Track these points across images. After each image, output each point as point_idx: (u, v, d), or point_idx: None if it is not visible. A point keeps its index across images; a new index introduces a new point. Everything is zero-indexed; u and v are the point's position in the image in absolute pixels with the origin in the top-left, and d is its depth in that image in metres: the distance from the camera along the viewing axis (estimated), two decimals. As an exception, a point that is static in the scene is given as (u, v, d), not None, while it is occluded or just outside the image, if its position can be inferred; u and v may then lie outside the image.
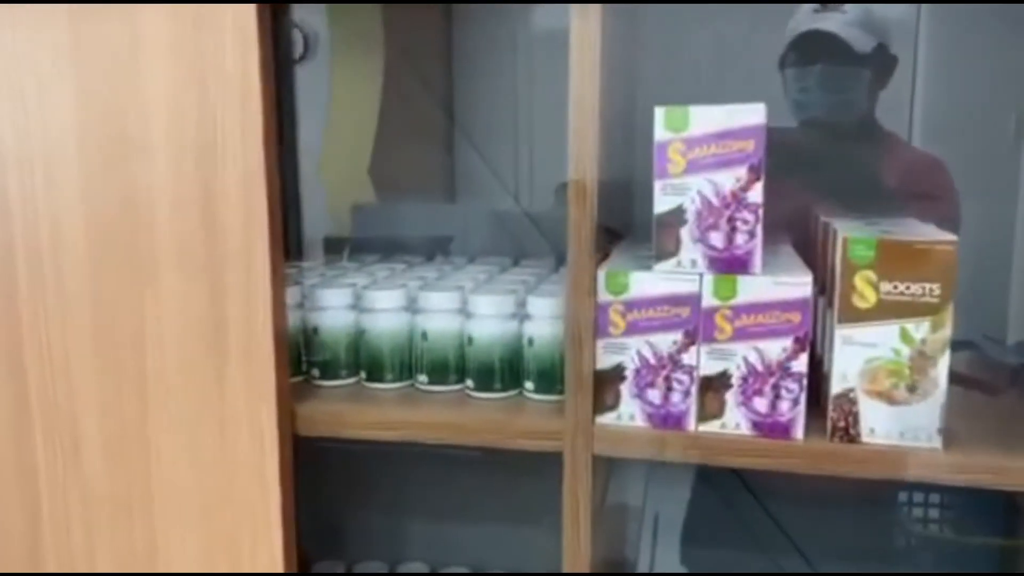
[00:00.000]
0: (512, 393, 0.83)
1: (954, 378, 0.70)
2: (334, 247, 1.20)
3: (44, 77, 0.76)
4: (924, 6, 1.18)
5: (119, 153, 0.76)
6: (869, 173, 1.03)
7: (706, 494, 1.06)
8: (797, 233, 0.89)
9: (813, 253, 0.83)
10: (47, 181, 0.78)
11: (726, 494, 0.99)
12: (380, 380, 0.86)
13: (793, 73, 1.03)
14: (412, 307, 0.86)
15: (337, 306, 0.87)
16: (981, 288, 0.97)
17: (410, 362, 0.86)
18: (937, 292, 0.67)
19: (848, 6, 1.00)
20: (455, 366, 0.84)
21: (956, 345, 0.68)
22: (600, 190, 0.72)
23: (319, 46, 1.41)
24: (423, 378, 0.85)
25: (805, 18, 1.02)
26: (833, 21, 1.00)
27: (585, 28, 0.68)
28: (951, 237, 0.67)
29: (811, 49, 1.01)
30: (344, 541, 1.16)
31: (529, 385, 0.82)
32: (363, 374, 0.86)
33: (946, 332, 0.67)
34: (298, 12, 1.40)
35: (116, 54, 0.74)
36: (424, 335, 0.84)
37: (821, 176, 1.01)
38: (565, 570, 0.76)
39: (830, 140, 1.05)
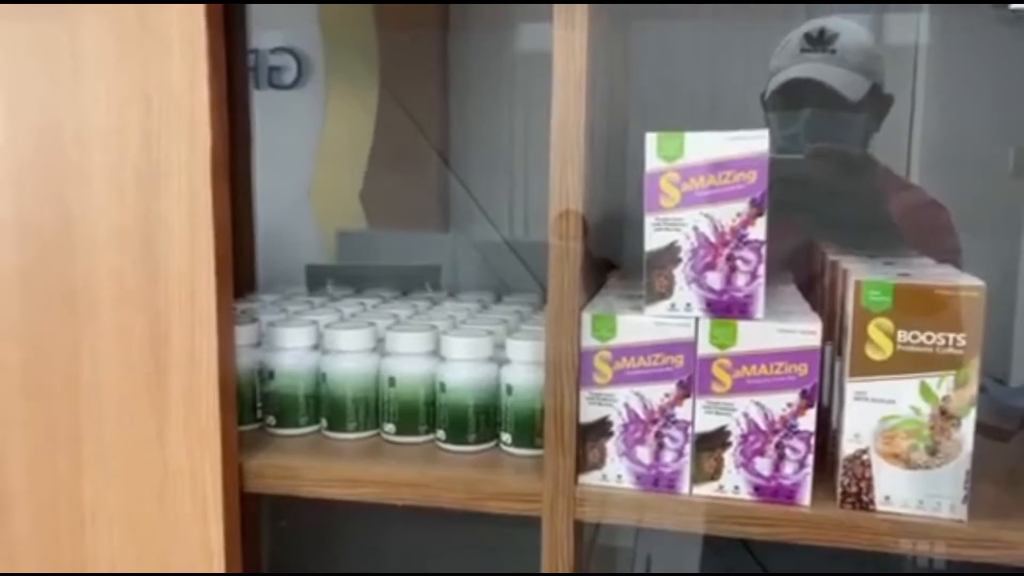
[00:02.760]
0: (487, 446, 0.75)
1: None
2: (317, 276, 1.13)
3: (-28, 92, 0.69)
4: (922, 39, 1.13)
5: (53, 175, 0.68)
6: (866, 208, 0.95)
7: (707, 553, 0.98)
8: (796, 271, 0.82)
9: (815, 293, 0.76)
10: (-26, 207, 0.70)
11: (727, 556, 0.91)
12: (342, 429, 0.78)
13: (777, 118, 0.94)
14: (380, 349, 0.79)
15: (296, 347, 0.79)
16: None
17: (376, 410, 0.78)
18: (962, 343, 0.59)
19: (838, 43, 0.91)
20: (425, 415, 0.76)
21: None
22: (591, 219, 0.65)
23: (313, 71, 1.36)
24: (390, 427, 0.77)
25: (790, 59, 0.93)
26: (821, 65, 0.91)
27: (570, 37, 0.61)
28: (978, 282, 0.60)
29: (796, 97, 0.92)
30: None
31: (506, 437, 0.74)
32: (324, 422, 0.79)
33: (972, 389, 0.60)
34: (291, 38, 1.34)
35: (51, 60, 0.67)
36: (391, 380, 0.76)
37: (817, 210, 0.93)
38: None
39: (823, 175, 0.96)
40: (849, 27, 0.93)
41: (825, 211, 0.92)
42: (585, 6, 0.61)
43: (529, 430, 0.73)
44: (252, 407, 0.79)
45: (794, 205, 0.80)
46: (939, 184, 1.03)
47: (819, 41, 0.92)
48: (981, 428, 0.76)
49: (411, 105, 1.29)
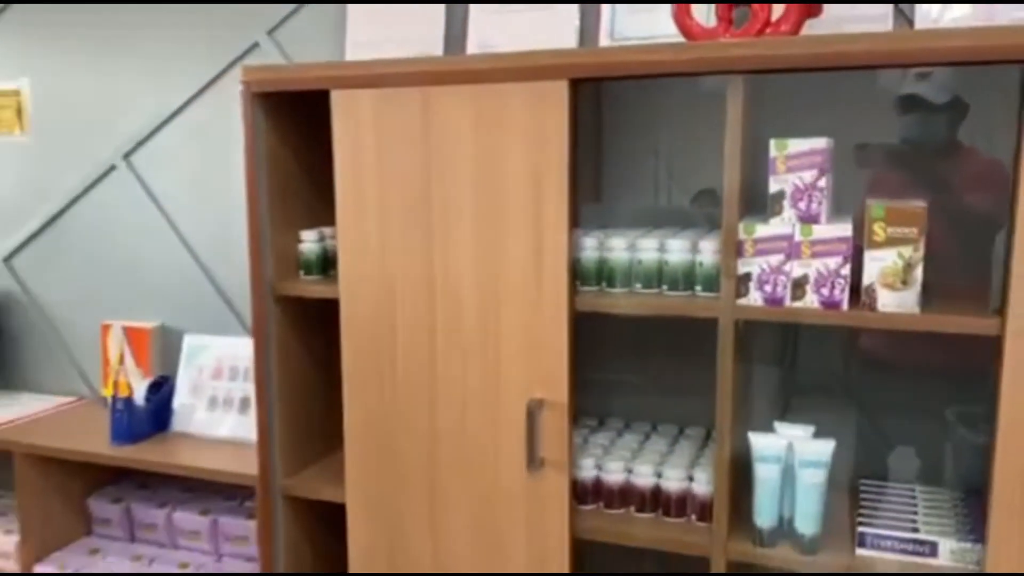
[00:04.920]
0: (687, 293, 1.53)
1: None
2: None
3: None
4: None
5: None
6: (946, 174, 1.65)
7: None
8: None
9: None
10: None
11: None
12: None
13: (899, 117, 1.66)
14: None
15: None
16: None
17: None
18: (914, 233, 1.33)
19: (938, 70, 1.60)
20: (657, 279, 1.55)
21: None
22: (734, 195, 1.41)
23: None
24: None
25: (908, 82, 1.62)
26: (921, 85, 1.61)
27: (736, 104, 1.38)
28: (922, 203, 1.33)
29: (907, 104, 1.63)
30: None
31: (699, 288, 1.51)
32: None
33: (920, 253, 1.33)
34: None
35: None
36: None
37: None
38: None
39: (924, 154, 1.67)
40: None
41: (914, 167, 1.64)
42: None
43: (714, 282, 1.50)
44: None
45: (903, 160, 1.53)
46: None
47: (922, 74, 1.63)
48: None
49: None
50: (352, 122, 1.62)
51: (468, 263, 1.56)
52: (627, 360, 1.87)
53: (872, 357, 1.73)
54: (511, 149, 1.51)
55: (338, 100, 1.63)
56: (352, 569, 1.75)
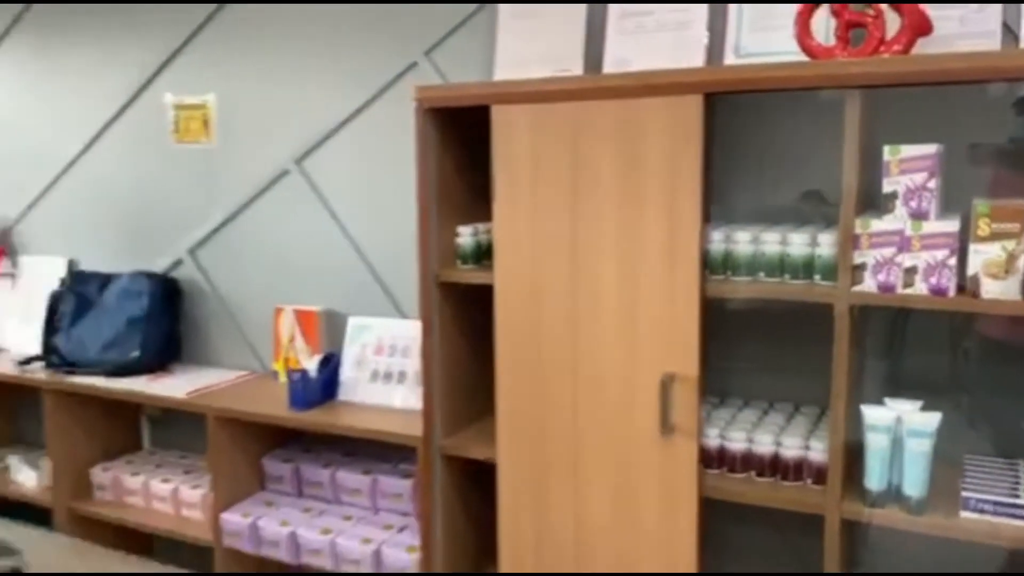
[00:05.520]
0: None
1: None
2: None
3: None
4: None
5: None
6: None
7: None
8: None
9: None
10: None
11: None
12: None
13: (1016, 118, 1.81)
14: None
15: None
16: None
17: None
18: (1017, 228, 1.50)
19: None
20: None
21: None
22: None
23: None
24: None
25: None
26: None
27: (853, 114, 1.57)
28: (1022, 202, 1.50)
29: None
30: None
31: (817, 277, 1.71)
32: None
33: (1022, 246, 1.50)
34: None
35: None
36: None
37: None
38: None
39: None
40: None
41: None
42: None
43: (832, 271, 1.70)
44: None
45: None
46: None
47: None
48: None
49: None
50: (509, 133, 1.89)
51: (610, 254, 1.81)
52: (746, 345, 2.08)
53: (978, 341, 1.89)
54: (649, 155, 1.74)
55: (498, 114, 1.90)
56: (501, 521, 2.02)
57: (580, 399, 1.89)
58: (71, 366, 2.82)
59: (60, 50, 3.04)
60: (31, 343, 2.99)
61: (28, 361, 2.90)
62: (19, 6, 3.07)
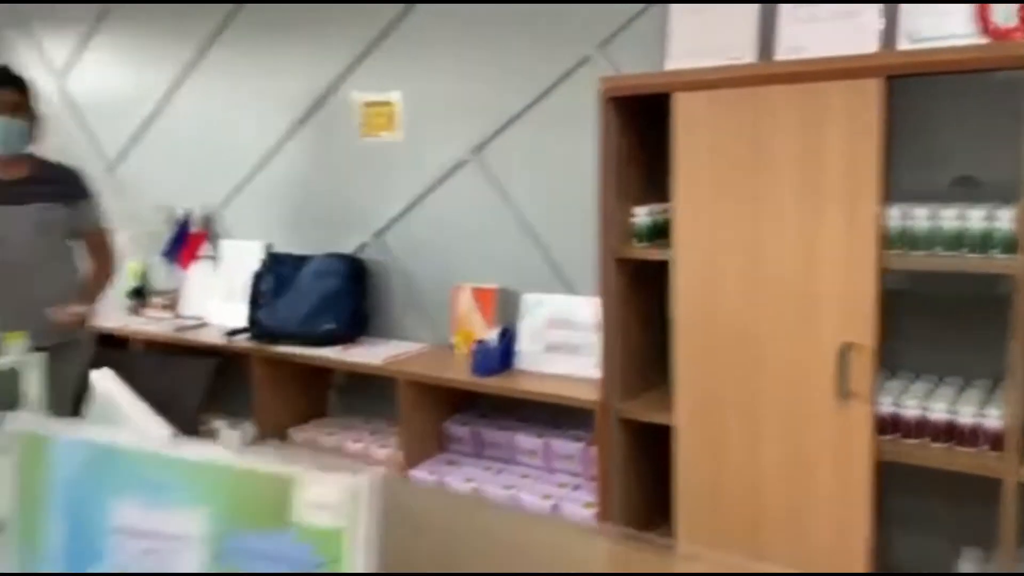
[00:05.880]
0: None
1: None
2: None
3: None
4: None
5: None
6: None
7: None
8: None
9: None
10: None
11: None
12: None
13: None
14: None
15: None
16: None
17: None
18: None
19: None
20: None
21: None
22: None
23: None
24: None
25: None
26: None
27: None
28: None
29: None
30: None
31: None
32: None
33: None
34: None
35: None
36: None
37: None
38: None
39: None
40: None
41: None
42: None
43: (1008, 247, 1.76)
44: None
45: None
46: None
47: None
48: None
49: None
50: (691, 118, 2.04)
51: (790, 229, 1.93)
52: (917, 320, 2.15)
53: None
54: (829, 136, 1.85)
55: (679, 101, 2.05)
56: (678, 479, 2.17)
57: (757, 366, 2.02)
58: (272, 337, 3.16)
59: (262, 52, 3.39)
60: (234, 317, 3.36)
61: (234, 333, 3.27)
62: (228, 8, 3.43)
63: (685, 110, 2.05)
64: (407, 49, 3.02)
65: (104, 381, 1.02)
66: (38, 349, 1.78)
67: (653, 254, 2.21)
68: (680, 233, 2.10)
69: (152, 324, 3.50)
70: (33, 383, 1.73)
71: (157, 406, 0.97)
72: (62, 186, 2.63)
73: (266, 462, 0.64)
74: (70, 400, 2.04)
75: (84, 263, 2.74)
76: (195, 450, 0.65)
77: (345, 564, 0.56)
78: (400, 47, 3.04)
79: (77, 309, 2.49)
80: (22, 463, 0.71)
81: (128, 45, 3.80)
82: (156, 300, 3.68)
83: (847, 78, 1.82)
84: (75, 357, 2.29)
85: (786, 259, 1.95)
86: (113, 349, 3.19)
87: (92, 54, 3.91)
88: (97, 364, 2.34)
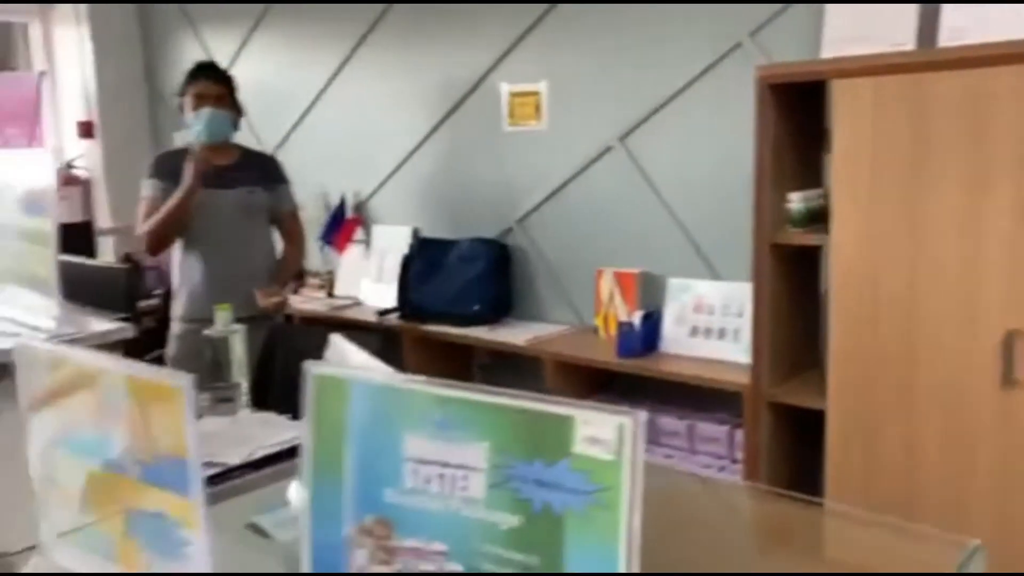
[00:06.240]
0: None
1: None
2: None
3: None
4: None
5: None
6: None
7: None
8: None
9: None
10: (944, 146, 1.89)
11: None
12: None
13: None
14: None
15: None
16: None
17: None
18: None
19: None
20: None
21: None
22: None
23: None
24: None
25: None
26: None
27: None
28: None
29: None
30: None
31: None
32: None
33: None
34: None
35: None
36: None
37: None
38: None
39: None
40: None
41: None
42: None
43: None
44: None
45: None
46: None
47: None
48: None
49: None
50: (851, 105, 2.06)
51: (953, 214, 1.93)
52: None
53: None
54: (996, 122, 1.84)
55: (839, 88, 2.07)
56: (829, 463, 2.20)
57: (915, 353, 2.02)
58: (421, 317, 3.34)
59: (414, 47, 3.56)
60: (384, 298, 3.56)
61: (386, 312, 3.47)
62: (382, 5, 3.63)
63: (845, 97, 2.07)
64: (554, 39, 3.12)
65: (341, 342, 1.16)
66: (238, 320, 1.99)
67: (809, 239, 2.23)
68: (838, 218, 2.12)
69: (309, 303, 3.75)
70: (238, 349, 1.94)
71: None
72: (263, 171, 2.89)
73: (540, 403, 0.75)
74: (255, 365, 2.27)
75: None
76: (476, 392, 0.77)
77: (623, 491, 0.66)
78: (547, 37, 3.14)
79: (277, 298, 2.75)
80: (319, 399, 0.85)
81: (285, 43, 4.06)
82: (313, 281, 3.93)
83: (1015, 63, 1.80)
84: (261, 328, 2.51)
85: (949, 244, 1.94)
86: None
87: (252, 52, 4.20)
88: (274, 335, 2.59)
